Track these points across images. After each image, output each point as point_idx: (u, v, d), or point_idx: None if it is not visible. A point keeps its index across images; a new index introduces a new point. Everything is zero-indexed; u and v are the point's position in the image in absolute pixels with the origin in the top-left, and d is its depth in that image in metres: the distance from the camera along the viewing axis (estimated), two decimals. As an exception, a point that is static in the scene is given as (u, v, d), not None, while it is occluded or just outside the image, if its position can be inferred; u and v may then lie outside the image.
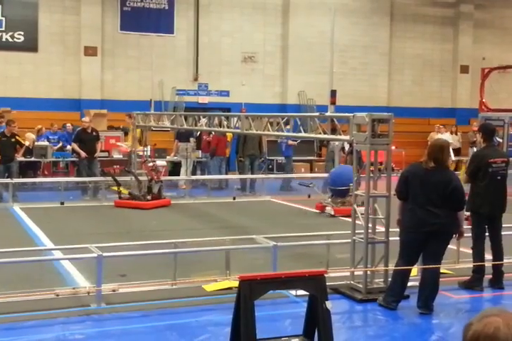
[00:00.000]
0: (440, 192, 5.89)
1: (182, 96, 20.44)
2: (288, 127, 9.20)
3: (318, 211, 12.14)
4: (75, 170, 16.01)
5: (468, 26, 23.67)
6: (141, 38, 20.14)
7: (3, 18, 18.81)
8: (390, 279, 6.30)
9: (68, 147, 16.05)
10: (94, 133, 14.09)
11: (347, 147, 16.38)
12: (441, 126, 19.08)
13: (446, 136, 18.36)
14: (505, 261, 7.09)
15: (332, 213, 11.74)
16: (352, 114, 6.80)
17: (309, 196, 13.78)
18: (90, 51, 19.47)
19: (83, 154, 13.76)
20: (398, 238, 6.27)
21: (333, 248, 7.44)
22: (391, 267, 6.32)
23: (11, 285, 6.50)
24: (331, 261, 7.28)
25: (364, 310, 6.23)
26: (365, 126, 6.58)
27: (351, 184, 11.28)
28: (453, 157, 16.44)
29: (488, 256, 7.01)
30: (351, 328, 5.78)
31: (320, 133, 8.35)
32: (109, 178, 13.12)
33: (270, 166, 18.82)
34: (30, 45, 19.10)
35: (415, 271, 6.28)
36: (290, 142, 15.87)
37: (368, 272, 6.51)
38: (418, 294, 6.05)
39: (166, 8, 20.44)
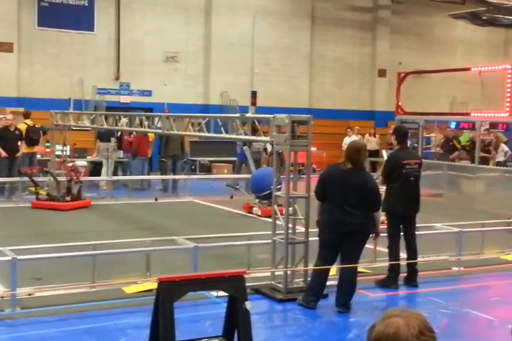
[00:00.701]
0: (357, 192, 6.05)
1: (103, 95, 20.06)
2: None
3: (245, 212, 12.20)
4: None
5: (385, 31, 24.38)
6: (60, 34, 19.62)
7: None
8: (309, 279, 6.42)
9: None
10: (16, 132, 13.60)
11: (269, 148, 16.55)
12: (348, 129, 19.58)
13: (354, 139, 18.92)
14: (419, 259, 7.35)
15: (259, 213, 11.82)
16: (272, 116, 6.89)
17: (232, 197, 13.83)
18: (6, 47, 18.81)
19: (3, 154, 13.25)
20: (317, 238, 6.39)
21: (254, 248, 7.50)
22: (311, 267, 6.44)
23: None
24: (252, 262, 7.34)
25: (284, 310, 6.31)
26: (286, 128, 6.68)
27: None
28: None
29: (403, 254, 7.25)
30: (271, 328, 5.85)
31: (241, 134, 8.42)
32: (26, 179, 12.73)
33: (193, 167, 18.77)
34: None
35: (334, 270, 6.41)
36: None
37: (288, 272, 6.60)
38: (336, 293, 6.19)
39: (86, 4, 20.01)
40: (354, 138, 18.86)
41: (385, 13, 24.36)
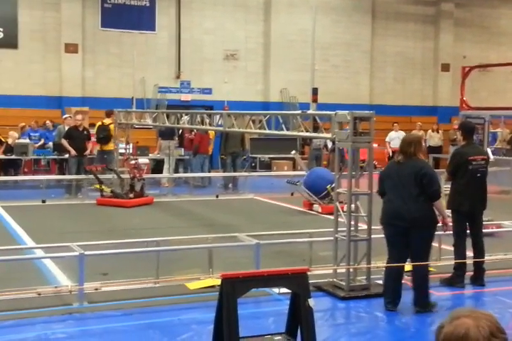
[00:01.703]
0: (412, 182, 5.94)
1: (164, 93, 20.36)
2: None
3: (306, 209, 12.15)
4: (56, 168, 15.92)
5: (449, 25, 23.85)
6: (122, 35, 20.03)
7: (-17, 15, 18.63)
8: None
9: (49, 144, 15.94)
10: (85, 132, 13.96)
11: (330, 145, 16.46)
12: (395, 124, 19.21)
13: (400, 135, 18.57)
14: (486, 258, 7.15)
15: (320, 211, 11.77)
16: (334, 112, 6.82)
17: (292, 194, 13.80)
18: (71, 48, 19.34)
19: (73, 152, 13.62)
20: (381, 236, 6.30)
21: (315, 245, 7.46)
22: (373, 264, 6.35)
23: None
24: (314, 259, 7.30)
25: (347, 308, 6.25)
26: (347, 124, 6.61)
27: (329, 185, 11.42)
28: None
29: (470, 253, 7.08)
30: (334, 326, 5.79)
31: (302, 131, 8.37)
32: (91, 176, 13.04)
33: (253, 164, 18.83)
34: (10, 42, 18.92)
35: (408, 267, 6.27)
36: None
37: (351, 270, 6.53)
38: (412, 292, 6.10)
39: (148, 5, 20.35)
40: (400, 133, 18.58)
41: (449, 6, 23.81)
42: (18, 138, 15.63)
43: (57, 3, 19.22)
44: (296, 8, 21.61)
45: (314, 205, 12.03)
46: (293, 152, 12.99)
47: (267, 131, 9.31)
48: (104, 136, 14.56)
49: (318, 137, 9.86)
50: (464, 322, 1.85)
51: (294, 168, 18.80)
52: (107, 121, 14.62)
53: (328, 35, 21.65)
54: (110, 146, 14.37)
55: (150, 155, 16.45)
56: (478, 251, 7.06)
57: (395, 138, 18.55)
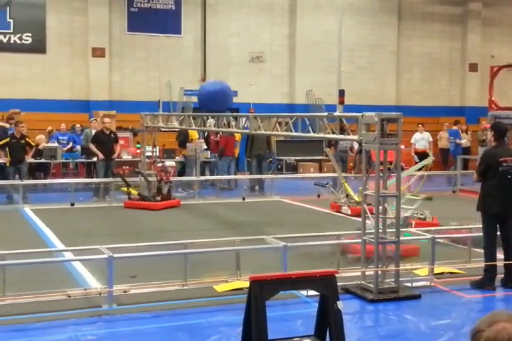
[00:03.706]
0: None
1: (190, 96, 20.45)
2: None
3: (333, 211, 12.12)
4: (84, 171, 16.08)
5: (476, 24, 23.58)
6: (148, 38, 20.17)
7: (11, 20, 18.89)
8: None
9: (77, 147, 16.11)
10: (112, 135, 14.07)
11: (356, 146, 16.38)
12: (419, 125, 18.98)
13: (425, 136, 18.38)
14: (517, 260, 7.04)
15: (349, 213, 11.73)
16: (361, 114, 6.78)
17: (319, 196, 13.76)
18: (98, 52, 19.53)
19: (101, 155, 13.74)
20: (408, 238, 6.25)
21: (343, 248, 7.42)
22: (402, 267, 6.30)
23: (22, 287, 6.52)
24: (341, 261, 7.26)
25: (375, 310, 6.20)
26: (374, 126, 6.56)
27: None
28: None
29: (500, 255, 6.98)
30: (363, 328, 5.76)
31: (329, 133, 8.34)
32: (119, 179, 13.15)
33: (279, 166, 18.81)
34: (39, 47, 19.16)
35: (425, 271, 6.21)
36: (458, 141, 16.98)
37: (379, 272, 6.49)
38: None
39: (173, 8, 20.46)
40: (425, 134, 18.41)
41: (476, 5, 23.55)
42: (46, 142, 15.82)
43: (85, 8, 19.43)
44: (321, 10, 21.56)
45: (343, 207, 11.98)
46: (327, 149, 12.98)
47: (294, 133, 9.28)
48: (182, 140, 15.05)
49: (345, 139, 9.82)
50: (505, 327, 1.82)
51: (320, 170, 18.75)
52: None
53: (353, 36, 21.55)
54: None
55: (176, 158, 16.52)
56: (509, 253, 6.96)
57: (420, 139, 18.39)
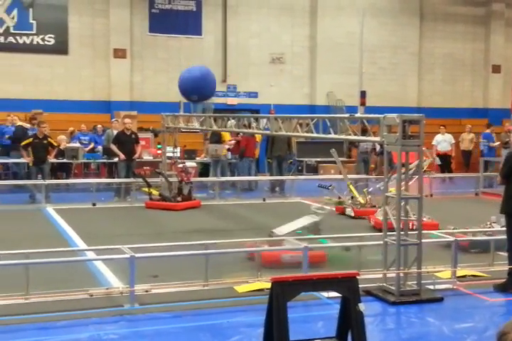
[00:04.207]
0: None
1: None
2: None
3: (338, 212, 12.05)
4: (106, 171, 16.19)
5: (499, 25, 23.38)
6: (169, 39, 20.27)
7: (34, 22, 19.09)
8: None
9: (99, 148, 16.23)
10: (133, 136, 14.16)
11: (378, 148, 16.31)
12: (441, 127, 18.82)
13: (447, 138, 18.22)
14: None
15: (352, 214, 11.70)
16: (382, 115, 6.75)
17: (339, 198, 13.67)
18: (119, 53, 19.67)
19: (122, 156, 13.82)
20: (431, 240, 6.21)
21: (365, 250, 7.39)
22: (424, 269, 6.26)
23: (44, 286, 6.57)
24: (362, 263, 7.23)
25: (397, 313, 6.16)
26: (396, 127, 6.53)
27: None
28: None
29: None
30: (384, 331, 5.72)
31: (349, 135, 8.31)
32: (140, 179, 13.22)
33: (299, 167, 18.77)
34: (61, 48, 19.35)
35: (448, 273, 6.17)
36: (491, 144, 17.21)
37: (401, 274, 6.45)
38: None
39: (194, 9, 20.54)
40: (447, 136, 18.27)
41: (499, 6, 23.35)
42: (68, 142, 15.96)
43: (106, 9, 19.58)
44: (342, 11, 21.51)
45: (347, 209, 11.92)
46: (332, 149, 12.94)
47: (315, 135, 9.26)
48: (215, 140, 15.25)
49: (367, 140, 9.76)
50: None
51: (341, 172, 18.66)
52: None
53: (374, 37, 21.48)
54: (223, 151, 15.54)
55: (197, 158, 16.57)
56: (533, 257, 6.88)
57: (442, 141, 18.26)
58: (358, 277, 4.82)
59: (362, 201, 11.97)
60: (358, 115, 10.04)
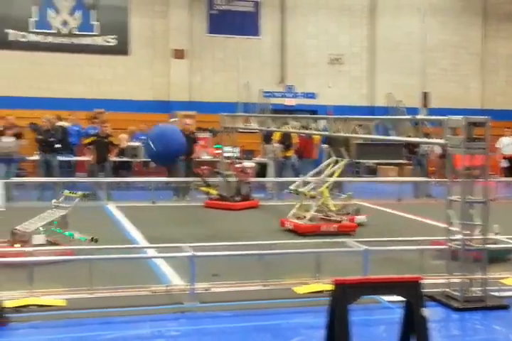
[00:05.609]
0: None
1: (268, 98, 20.55)
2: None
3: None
4: (165, 170, 16.38)
5: None
6: (227, 40, 20.41)
7: (97, 23, 19.53)
8: None
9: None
10: (191, 136, 14.33)
11: (436, 150, 16.00)
12: (506, 129, 18.26)
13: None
14: None
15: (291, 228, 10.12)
16: (446, 117, 6.62)
17: (399, 200, 13.52)
18: (179, 54, 19.91)
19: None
20: (495, 245, 6.07)
21: (426, 254, 7.27)
22: (490, 275, 6.11)
23: (107, 281, 6.70)
24: (422, 267, 7.11)
25: (461, 319, 6.03)
26: (459, 130, 6.39)
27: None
28: None
29: None
30: (448, 337, 5.61)
31: (410, 136, 8.18)
32: (198, 179, 13.35)
33: (357, 169, 18.61)
34: (122, 49, 19.74)
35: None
36: None
37: (466, 280, 6.31)
38: None
39: (252, 10, 20.62)
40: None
41: None
42: (128, 141, 16.24)
43: (166, 10, 19.87)
44: (402, 11, 21.23)
45: (286, 222, 10.23)
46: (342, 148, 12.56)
47: (375, 136, 9.16)
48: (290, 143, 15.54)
49: (429, 143, 9.62)
50: None
51: (400, 174, 18.43)
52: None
53: (435, 37, 21.10)
54: (289, 152, 15.61)
55: (254, 158, 16.60)
56: None
57: (508, 144, 17.78)
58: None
59: (332, 208, 10.45)
60: (419, 117, 9.89)
